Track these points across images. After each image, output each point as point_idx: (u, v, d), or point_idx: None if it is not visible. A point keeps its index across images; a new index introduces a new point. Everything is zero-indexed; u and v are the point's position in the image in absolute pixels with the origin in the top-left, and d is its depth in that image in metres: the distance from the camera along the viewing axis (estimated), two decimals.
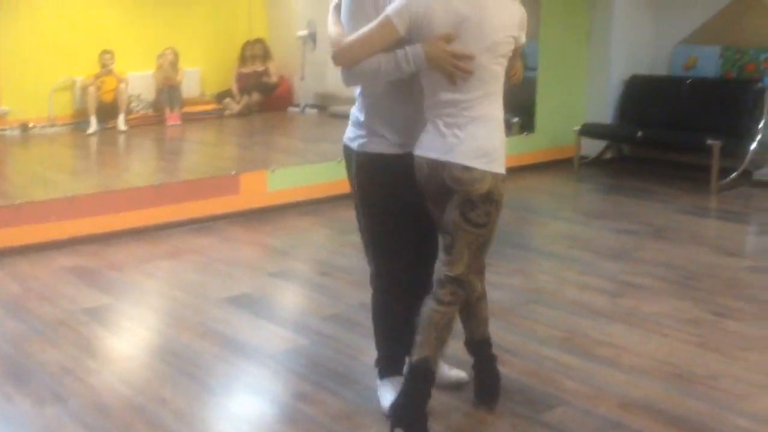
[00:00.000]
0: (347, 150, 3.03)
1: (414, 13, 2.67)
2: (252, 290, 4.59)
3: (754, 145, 6.94)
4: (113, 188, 6.18)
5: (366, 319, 4.07)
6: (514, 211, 5.77)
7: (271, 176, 6.33)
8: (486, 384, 3.19)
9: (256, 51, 10.71)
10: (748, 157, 6.93)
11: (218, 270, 4.96)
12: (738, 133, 6.94)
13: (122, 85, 9.33)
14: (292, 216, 6.18)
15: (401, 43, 2.70)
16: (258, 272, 4.92)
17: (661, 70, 7.85)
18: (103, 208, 5.59)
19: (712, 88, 7.29)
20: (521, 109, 7.55)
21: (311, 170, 6.66)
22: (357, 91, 2.98)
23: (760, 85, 7.01)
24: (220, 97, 10.52)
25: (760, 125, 6.96)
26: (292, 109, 10.73)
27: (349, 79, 2.83)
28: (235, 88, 10.54)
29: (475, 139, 2.74)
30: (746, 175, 6.96)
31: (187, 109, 9.96)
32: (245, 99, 10.44)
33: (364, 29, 2.72)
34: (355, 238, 5.52)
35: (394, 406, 2.89)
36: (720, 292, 4.45)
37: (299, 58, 10.58)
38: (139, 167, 7.66)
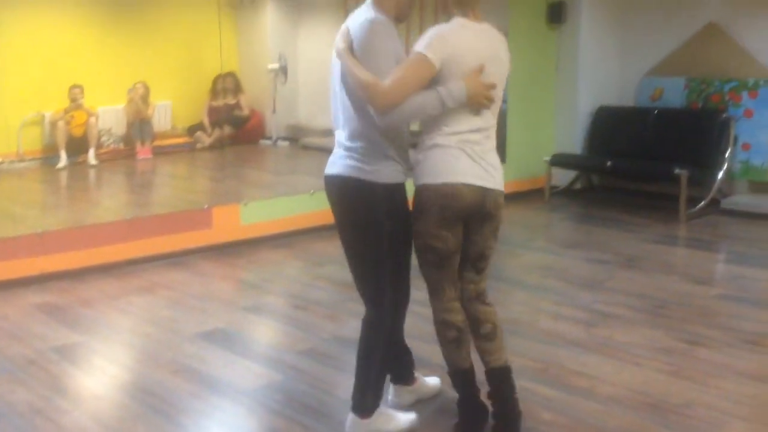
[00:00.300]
0: (359, 183, 2.93)
1: (445, 49, 2.81)
2: (225, 325, 4.55)
3: (721, 174, 7.06)
4: (84, 223, 6.12)
5: (340, 353, 4.07)
6: None
7: (243, 209, 6.32)
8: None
9: (227, 84, 10.73)
10: (716, 186, 7.05)
11: (191, 305, 4.91)
12: (705, 162, 7.05)
13: (92, 119, 9.28)
14: (265, 249, 6.16)
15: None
16: (231, 307, 4.89)
17: (628, 101, 7.98)
18: (74, 244, 5.53)
19: (679, 119, 7.41)
20: None
21: (284, 203, 6.66)
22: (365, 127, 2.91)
23: (725, 115, 7.14)
24: (192, 130, 10.50)
25: (727, 154, 7.09)
26: (264, 142, 10.73)
27: (392, 120, 2.81)
28: (206, 121, 10.54)
29: (500, 166, 3.03)
30: (714, 203, 7.07)
31: (158, 142, 9.93)
32: (217, 132, 10.43)
33: (398, 71, 2.76)
34: (329, 271, 5.54)
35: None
36: (691, 320, 4.50)
37: (271, 91, 10.62)
38: (110, 202, 7.59)
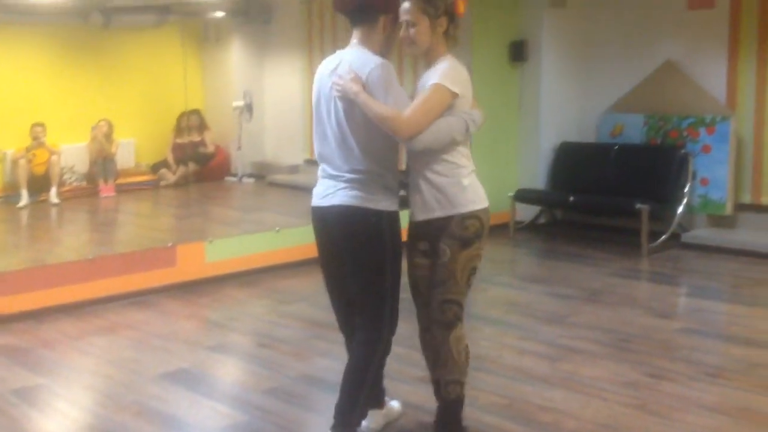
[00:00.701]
0: (365, 211, 3.13)
1: (460, 81, 3.16)
2: (189, 365, 4.50)
3: (680, 209, 7.18)
4: (45, 263, 6.04)
5: (307, 392, 4.04)
6: None
7: (209, 247, 6.28)
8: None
9: (191, 121, 10.72)
10: (676, 220, 7.16)
11: (154, 345, 4.85)
12: (665, 197, 7.17)
13: (54, 158, 9.20)
14: (230, 287, 6.12)
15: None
16: (195, 346, 4.83)
17: (589, 137, 8.11)
18: (35, 284, 5.45)
19: (639, 155, 7.54)
20: None
21: (250, 240, 6.64)
22: (374, 161, 3.15)
23: (683, 151, 7.28)
24: (156, 167, 10.45)
25: (686, 189, 7.22)
26: (229, 179, 10.71)
27: (423, 143, 3.10)
28: (171, 159, 10.49)
29: None
30: (675, 237, 7.18)
31: (121, 180, 9.87)
32: (182, 169, 10.39)
33: (418, 100, 3.09)
34: (294, 309, 5.51)
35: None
36: (655, 354, 4.54)
37: (236, 128, 10.63)
38: (72, 240, 7.50)
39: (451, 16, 3.19)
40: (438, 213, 3.18)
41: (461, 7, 3.21)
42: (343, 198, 3.14)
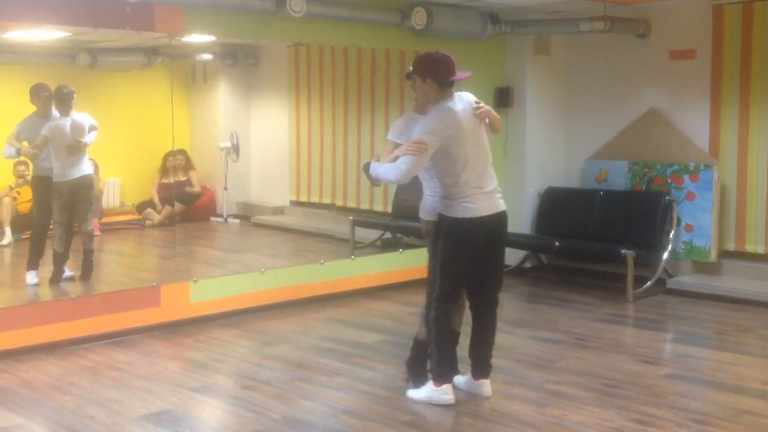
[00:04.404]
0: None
1: None
2: (172, 407, 4.44)
3: (665, 255, 7.22)
4: (27, 302, 5.97)
5: None
6: None
7: (193, 287, 6.24)
8: None
9: (177, 161, 10.72)
10: (661, 266, 7.20)
11: (137, 386, 4.79)
12: (650, 243, 7.22)
13: None
14: (215, 327, 6.07)
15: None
16: (179, 387, 4.77)
17: (574, 183, 8.17)
18: (16, 323, 5.38)
19: (624, 201, 7.60)
20: None
21: (234, 281, 6.60)
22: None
23: (668, 198, 7.35)
24: (141, 207, 10.41)
25: (671, 236, 7.27)
26: (214, 219, 10.68)
27: None
28: (156, 198, 10.47)
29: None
30: (660, 283, 7.20)
31: (106, 219, 9.80)
32: (167, 209, 10.36)
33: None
34: (278, 350, 5.47)
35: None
36: (641, 400, 4.52)
37: (222, 168, 10.63)
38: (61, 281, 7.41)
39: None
40: None
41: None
42: (503, 206, 4.45)
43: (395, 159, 4.24)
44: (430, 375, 4.47)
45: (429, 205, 4.53)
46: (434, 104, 4.30)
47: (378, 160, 4.40)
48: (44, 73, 9.83)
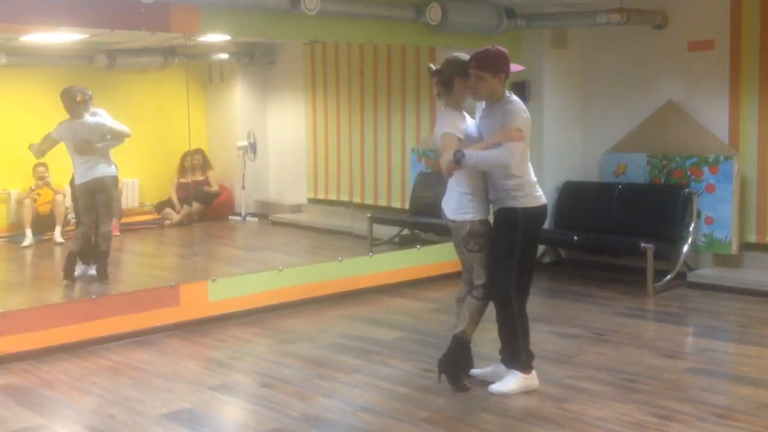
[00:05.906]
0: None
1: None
2: (192, 405, 4.46)
3: (686, 248, 7.16)
4: (48, 302, 6.02)
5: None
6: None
7: (212, 286, 6.26)
8: None
9: (195, 161, 10.77)
10: (681, 259, 7.14)
11: (157, 385, 4.81)
12: (670, 236, 7.15)
13: (59, 197, 9.23)
14: (233, 326, 6.09)
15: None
16: (198, 386, 4.79)
17: (592, 176, 8.12)
18: (37, 324, 5.42)
19: (643, 194, 7.54)
20: None
21: (253, 279, 6.61)
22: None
23: (687, 190, 7.28)
24: (160, 207, 10.47)
25: (691, 228, 7.20)
26: (233, 218, 10.73)
27: None
28: (174, 198, 10.52)
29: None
30: (681, 276, 7.14)
31: (125, 219, 9.87)
32: (185, 208, 10.41)
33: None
34: (297, 348, 5.48)
35: (443, 361, 4.61)
36: (662, 394, 4.49)
37: (240, 167, 10.67)
38: (76, 280, 7.47)
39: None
40: None
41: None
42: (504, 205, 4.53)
43: (488, 147, 4.35)
44: (516, 366, 4.55)
45: (460, 202, 4.50)
46: (498, 98, 4.47)
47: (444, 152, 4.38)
48: (62, 75, 9.91)
